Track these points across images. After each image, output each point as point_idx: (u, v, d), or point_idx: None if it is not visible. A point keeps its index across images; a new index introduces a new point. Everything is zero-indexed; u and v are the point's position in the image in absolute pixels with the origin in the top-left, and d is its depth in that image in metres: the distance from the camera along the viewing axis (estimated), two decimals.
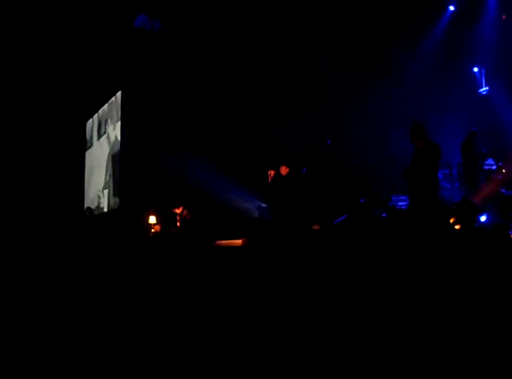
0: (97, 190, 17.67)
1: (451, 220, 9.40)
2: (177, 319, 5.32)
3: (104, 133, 17.14)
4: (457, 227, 9.29)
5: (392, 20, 14.68)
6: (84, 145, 18.93)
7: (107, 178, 16.62)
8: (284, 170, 11.34)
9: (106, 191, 16.65)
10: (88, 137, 18.92)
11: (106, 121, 17.08)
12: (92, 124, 18.54)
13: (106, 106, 16.96)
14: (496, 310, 4.77)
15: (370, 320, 4.86)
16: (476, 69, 15.03)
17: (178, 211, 13.14)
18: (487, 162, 12.62)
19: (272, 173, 11.37)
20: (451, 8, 15.37)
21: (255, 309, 5.48)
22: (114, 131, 15.99)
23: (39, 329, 5.21)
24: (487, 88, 14.64)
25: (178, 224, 13.02)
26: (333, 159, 13.37)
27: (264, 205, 14.45)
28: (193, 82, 14.94)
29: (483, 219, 10.34)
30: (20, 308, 6.02)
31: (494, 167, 12.27)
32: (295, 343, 4.40)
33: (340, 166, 13.60)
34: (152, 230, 13.30)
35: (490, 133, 13.38)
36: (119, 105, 15.64)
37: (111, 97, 16.31)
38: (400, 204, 12.80)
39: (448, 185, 13.19)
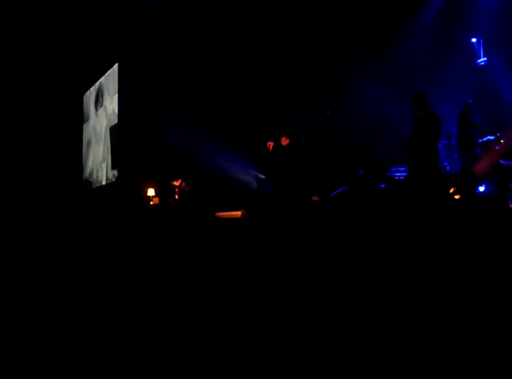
0: (95, 163, 17.65)
1: (451, 190, 9.43)
2: (177, 291, 5.34)
3: (102, 105, 17.08)
4: (456, 196, 9.32)
5: None
6: (81, 118, 18.86)
7: (105, 150, 16.59)
8: (284, 141, 11.33)
9: (104, 164, 16.63)
10: (85, 110, 18.85)
11: (103, 93, 17.01)
12: (89, 97, 18.46)
13: (103, 78, 16.88)
14: (496, 282, 4.79)
15: (371, 293, 4.89)
16: (474, 40, 14.95)
17: (176, 183, 13.12)
18: (486, 138, 12.62)
19: (271, 144, 11.37)
20: None
21: (254, 281, 5.50)
22: (112, 104, 15.93)
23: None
24: (485, 58, 14.57)
25: (176, 197, 13.02)
26: (332, 129, 13.35)
27: (263, 177, 14.45)
28: (190, 53, 14.83)
29: (482, 189, 10.37)
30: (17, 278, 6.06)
31: (492, 138, 12.26)
32: (294, 318, 4.42)
33: (339, 137, 13.57)
34: (151, 203, 13.30)
35: (488, 103, 13.35)
36: (116, 77, 15.57)
37: (108, 69, 16.22)
38: (398, 175, 12.82)
39: (447, 156, 13.21)
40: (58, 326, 4.37)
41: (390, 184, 11.92)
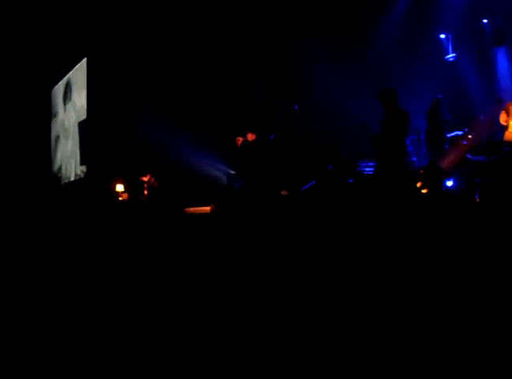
0: (64, 159, 17.49)
1: (418, 184, 9.49)
2: (146, 286, 5.30)
3: (70, 100, 16.93)
4: (424, 191, 9.38)
5: None
6: (49, 113, 18.68)
7: (74, 146, 16.45)
8: (250, 137, 11.33)
9: (72, 160, 16.49)
10: (53, 105, 18.67)
11: (71, 88, 16.86)
12: (57, 91, 18.28)
13: (71, 73, 16.72)
14: (461, 271, 4.82)
15: (336, 285, 4.89)
16: (443, 36, 15.03)
17: (145, 179, 13.07)
18: (454, 133, 12.70)
19: (240, 139, 11.35)
20: None
21: (223, 274, 5.48)
22: (80, 98, 15.80)
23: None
24: (454, 54, 14.66)
25: (145, 192, 12.96)
26: (300, 124, 13.34)
27: (232, 172, 14.43)
28: (159, 48, 14.74)
29: (449, 184, 10.44)
30: None
31: (460, 133, 12.35)
32: (261, 307, 4.40)
33: (308, 132, 13.57)
34: (120, 198, 13.22)
35: (456, 99, 13.44)
36: (85, 72, 15.43)
37: (77, 64, 16.07)
38: (367, 170, 12.86)
39: (415, 152, 13.29)
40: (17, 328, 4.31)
41: (359, 179, 11.96)
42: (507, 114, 7.92)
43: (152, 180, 13.03)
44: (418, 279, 4.75)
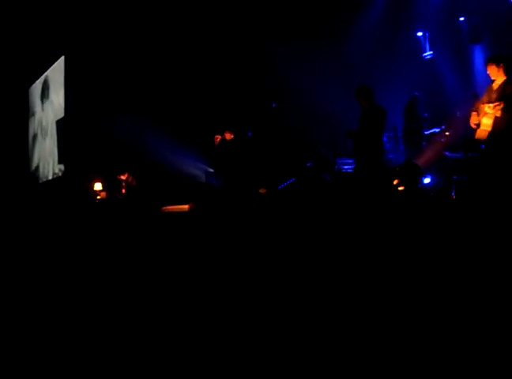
0: (42, 157, 17.39)
1: (395, 182, 9.53)
2: (125, 285, 5.28)
3: (48, 99, 16.82)
4: (400, 188, 9.42)
5: None
6: (26, 112, 18.55)
7: (52, 144, 16.36)
8: (228, 136, 11.34)
9: (50, 158, 16.39)
10: (30, 104, 18.54)
11: (49, 87, 16.75)
12: (35, 90, 18.16)
13: (49, 71, 16.61)
14: (438, 268, 4.84)
15: (316, 281, 4.90)
16: (420, 34, 15.11)
17: (123, 177, 13.02)
18: (432, 130, 12.77)
19: (218, 138, 11.35)
20: None
21: (202, 273, 5.47)
22: (58, 97, 15.70)
23: None
24: (431, 52, 14.74)
25: (123, 191, 12.91)
26: (278, 122, 13.35)
27: (211, 170, 14.42)
28: (139, 46, 14.68)
29: (426, 181, 10.49)
30: None
31: (437, 130, 12.42)
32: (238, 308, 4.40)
33: (286, 130, 13.59)
34: (98, 197, 13.17)
35: (434, 96, 13.51)
36: (63, 70, 15.34)
37: (54, 62, 15.97)
38: (345, 167, 12.90)
39: (393, 149, 13.35)
40: None
41: (337, 176, 11.99)
42: (478, 113, 8.06)
43: (130, 179, 13.00)
44: (396, 275, 4.77)
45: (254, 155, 11.58)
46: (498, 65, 7.96)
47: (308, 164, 13.07)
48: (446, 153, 11.45)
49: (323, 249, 5.85)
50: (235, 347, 3.57)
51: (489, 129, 7.85)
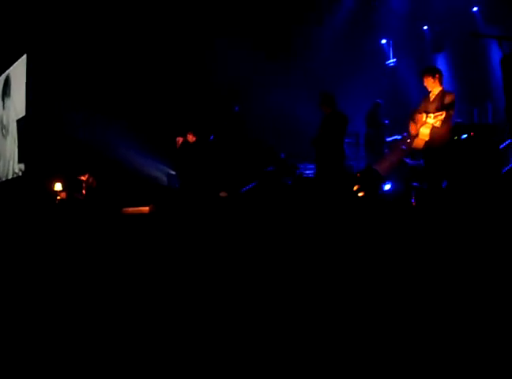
0: (2, 156, 17.18)
1: (355, 188, 9.59)
2: (83, 287, 5.23)
3: (9, 97, 16.63)
4: (360, 194, 9.49)
5: None
6: None
7: (12, 143, 16.18)
8: (190, 138, 11.33)
9: (11, 157, 16.20)
10: None
11: (11, 85, 16.57)
12: None
13: (11, 69, 16.43)
14: (399, 273, 4.87)
15: (272, 281, 4.90)
16: (384, 41, 15.26)
17: (83, 178, 12.90)
18: (393, 137, 12.90)
19: (180, 140, 11.33)
20: None
21: (159, 275, 5.45)
22: (20, 95, 15.53)
23: None
24: (394, 59, 14.89)
25: (83, 191, 12.79)
26: (240, 126, 13.35)
27: (173, 173, 14.38)
28: (101, 45, 14.57)
29: (387, 187, 10.58)
30: None
31: (399, 138, 12.54)
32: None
33: (248, 134, 13.59)
34: (58, 197, 13.03)
35: (396, 103, 13.64)
36: (25, 68, 15.18)
37: (16, 60, 15.80)
38: (307, 172, 12.95)
39: (354, 155, 13.44)
40: None
41: (298, 181, 12.03)
42: (415, 123, 8.30)
43: (91, 179, 12.88)
44: (355, 281, 4.79)
45: (216, 158, 11.58)
46: (433, 77, 8.23)
47: (269, 168, 13.10)
48: (407, 160, 11.56)
49: (284, 251, 5.87)
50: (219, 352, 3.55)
51: (426, 138, 8.09)
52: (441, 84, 8.26)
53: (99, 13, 14.33)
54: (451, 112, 8.07)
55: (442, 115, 7.86)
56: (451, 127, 8.39)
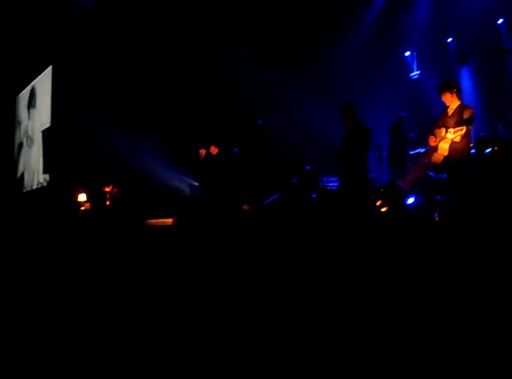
0: (27, 167, 17.32)
1: (378, 203, 9.56)
2: (108, 298, 5.27)
3: (34, 108, 16.78)
4: (383, 209, 9.45)
5: (323, 7, 14.76)
6: (13, 120, 18.48)
7: (37, 154, 16.30)
8: (213, 150, 11.35)
9: (36, 168, 16.33)
10: (17, 112, 18.47)
11: (36, 96, 16.71)
12: (22, 99, 18.11)
13: (36, 80, 16.58)
14: (422, 289, 4.85)
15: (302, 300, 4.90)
16: (407, 54, 15.22)
17: (108, 189, 12.96)
18: (417, 150, 12.84)
19: (203, 152, 11.36)
20: None
21: (184, 288, 5.47)
22: (45, 106, 15.65)
23: None
24: (418, 71, 14.84)
25: (108, 203, 12.85)
26: (263, 139, 13.37)
27: (196, 184, 14.42)
28: (126, 57, 14.69)
29: (410, 201, 10.52)
30: None
31: (422, 151, 12.48)
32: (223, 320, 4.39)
33: (272, 147, 13.60)
34: (82, 208, 13.10)
35: (420, 116, 13.58)
36: (50, 79, 15.31)
37: (42, 71, 15.94)
38: (331, 185, 12.94)
39: (377, 168, 13.39)
40: None
41: (322, 194, 12.01)
42: (434, 136, 8.29)
43: (115, 190, 12.93)
44: (378, 294, 4.78)
45: (239, 171, 11.59)
46: (451, 91, 8.22)
47: (293, 181, 13.10)
48: (430, 173, 11.50)
49: (307, 264, 5.87)
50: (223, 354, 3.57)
51: (445, 153, 8.08)
52: (459, 98, 8.25)
53: (122, 24, 14.46)
54: (470, 127, 8.06)
55: (463, 130, 7.86)
56: (470, 141, 8.36)
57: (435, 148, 8.29)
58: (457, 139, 7.88)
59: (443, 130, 8.11)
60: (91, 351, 3.85)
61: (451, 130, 7.97)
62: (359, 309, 4.45)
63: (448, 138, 8.00)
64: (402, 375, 3.13)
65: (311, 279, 5.42)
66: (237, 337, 3.96)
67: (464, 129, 7.86)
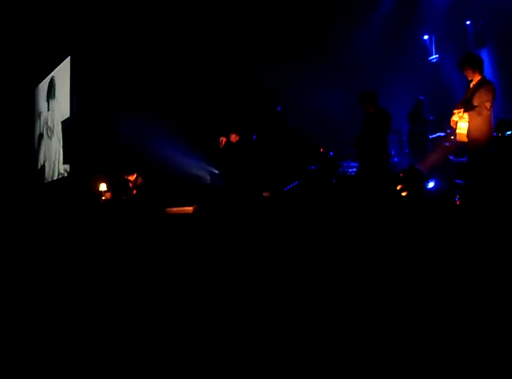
0: (47, 157, 17.43)
1: (398, 187, 9.53)
2: (129, 287, 5.31)
3: (54, 98, 16.86)
4: (403, 193, 9.42)
5: None
6: (32, 111, 18.59)
7: (57, 144, 16.40)
8: (233, 138, 11.34)
9: (56, 158, 16.43)
10: (37, 103, 18.58)
11: (55, 86, 16.79)
12: (41, 90, 18.20)
13: (55, 71, 16.66)
14: (441, 274, 4.85)
15: (322, 285, 4.92)
16: (426, 37, 15.10)
17: (131, 178, 12.94)
18: (437, 134, 12.77)
19: (223, 139, 11.36)
20: None
21: (205, 276, 5.50)
22: (64, 97, 15.73)
23: None
24: (437, 55, 14.73)
25: (134, 191, 12.83)
26: (283, 126, 13.36)
27: (216, 171, 14.43)
28: (145, 47, 14.70)
29: (431, 185, 10.47)
30: None
31: (442, 134, 12.41)
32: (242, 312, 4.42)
33: (291, 133, 13.58)
34: (103, 198, 13.15)
35: (439, 100, 13.49)
36: (69, 70, 15.38)
37: (61, 62, 16.01)
38: (350, 170, 12.92)
39: (396, 152, 13.36)
40: None
41: (342, 179, 12.01)
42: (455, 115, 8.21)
43: (140, 179, 12.86)
44: (398, 279, 4.79)
45: (259, 158, 11.59)
46: (471, 66, 8.06)
47: (313, 167, 13.09)
48: (451, 157, 11.44)
49: (327, 251, 5.88)
50: (236, 347, 3.60)
51: (465, 132, 7.99)
52: (480, 72, 8.11)
53: (145, 14, 14.48)
54: (487, 104, 7.88)
55: (460, 112, 7.84)
56: (491, 121, 8.20)
57: (455, 128, 8.22)
58: (462, 120, 7.85)
59: (461, 110, 8.04)
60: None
61: (455, 112, 7.96)
62: (376, 296, 4.47)
63: (465, 118, 7.93)
64: (402, 375, 3.15)
65: (333, 266, 5.44)
66: (255, 327, 3.99)
67: (461, 112, 7.84)
